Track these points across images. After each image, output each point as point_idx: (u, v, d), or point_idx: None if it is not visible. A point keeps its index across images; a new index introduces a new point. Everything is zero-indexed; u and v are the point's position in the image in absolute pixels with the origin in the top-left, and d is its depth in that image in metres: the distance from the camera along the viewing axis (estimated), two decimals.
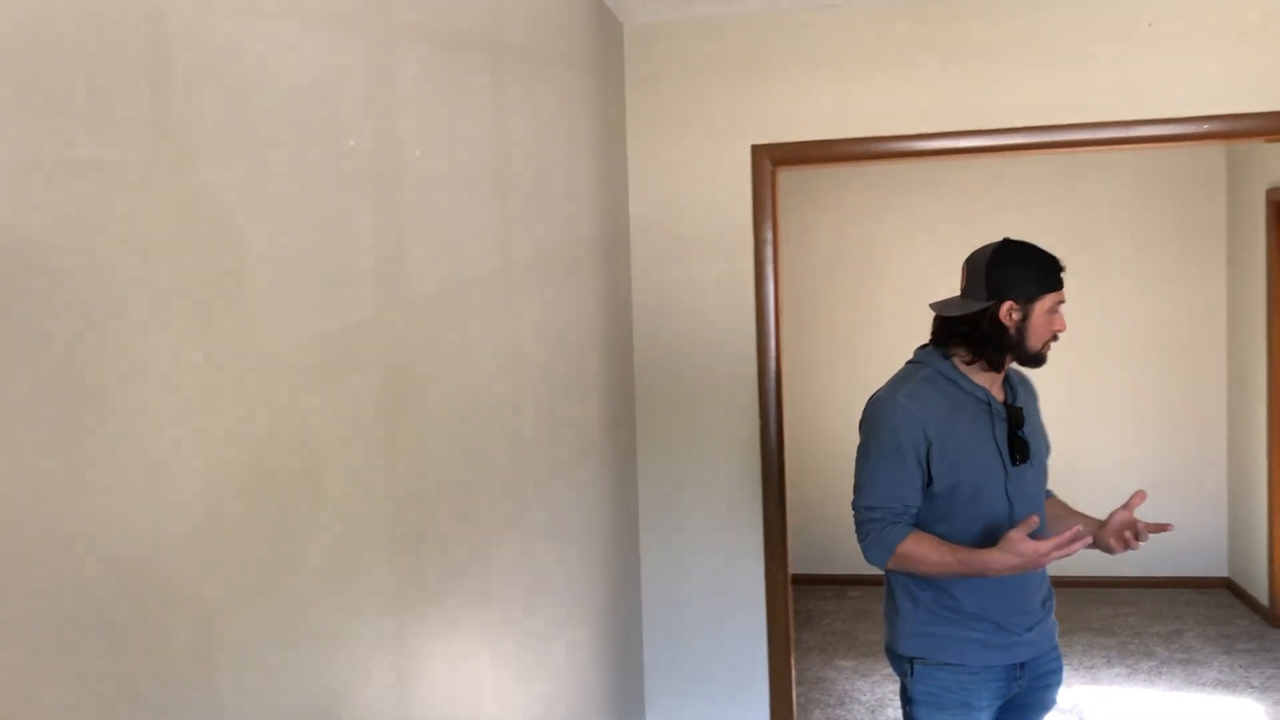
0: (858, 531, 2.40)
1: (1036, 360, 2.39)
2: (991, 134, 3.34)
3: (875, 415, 2.38)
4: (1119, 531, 2.37)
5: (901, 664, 2.46)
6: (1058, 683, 2.54)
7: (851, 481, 2.45)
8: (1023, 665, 2.44)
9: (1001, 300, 2.34)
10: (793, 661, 3.54)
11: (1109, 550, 2.39)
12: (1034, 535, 2.29)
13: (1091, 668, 5.21)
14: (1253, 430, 5.91)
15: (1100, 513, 2.74)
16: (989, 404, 2.40)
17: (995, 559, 2.23)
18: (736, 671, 3.63)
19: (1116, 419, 6.36)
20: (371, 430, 1.70)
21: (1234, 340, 6.22)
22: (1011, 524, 2.35)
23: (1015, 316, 2.34)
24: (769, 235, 3.44)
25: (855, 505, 2.40)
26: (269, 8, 1.45)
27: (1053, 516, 2.54)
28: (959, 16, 3.33)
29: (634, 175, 3.54)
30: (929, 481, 2.35)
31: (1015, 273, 2.34)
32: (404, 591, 1.81)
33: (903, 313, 6.63)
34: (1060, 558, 2.17)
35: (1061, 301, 2.38)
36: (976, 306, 2.35)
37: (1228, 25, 3.22)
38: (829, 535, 6.68)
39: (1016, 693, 2.46)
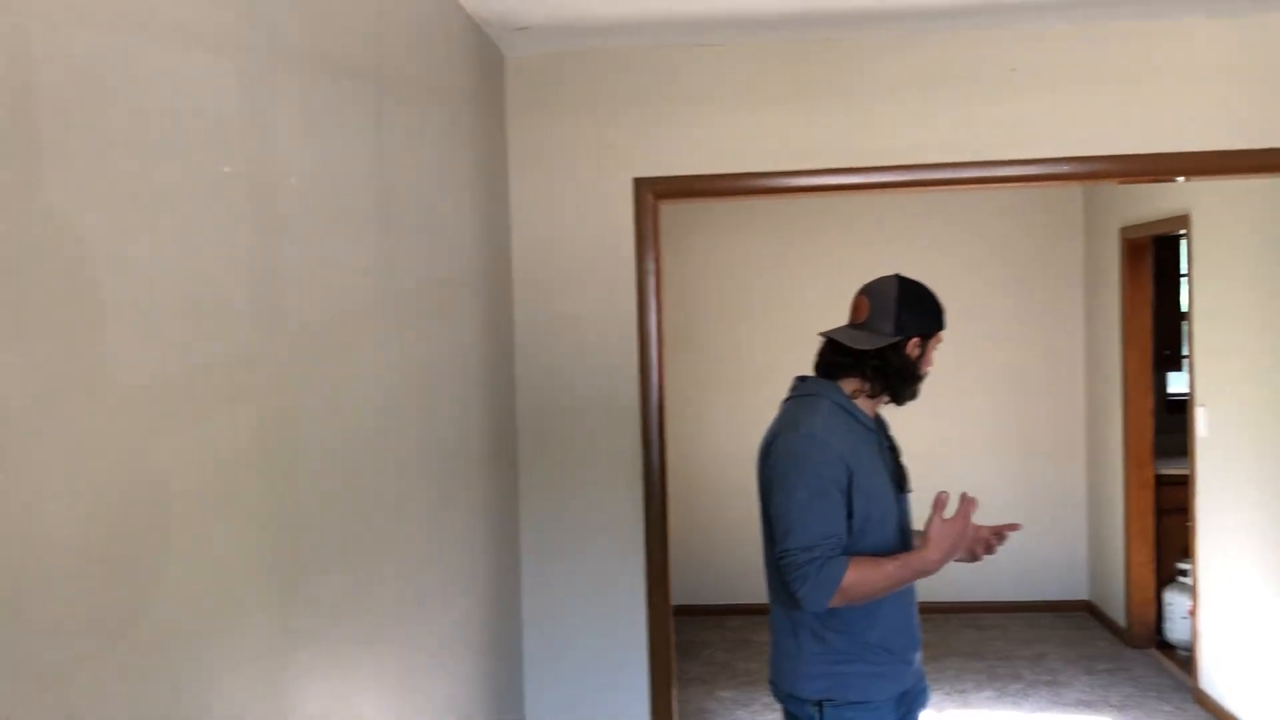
0: (793, 577, 2.27)
1: (915, 395, 2.46)
2: (867, 172, 3.43)
3: (797, 452, 2.32)
4: (974, 542, 2.47)
5: (805, 707, 2.39)
6: (925, 703, 2.59)
7: (749, 519, 2.48)
8: (905, 693, 2.47)
9: (909, 336, 2.40)
10: (674, 693, 3.53)
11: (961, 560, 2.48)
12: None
13: (963, 691, 5.34)
14: (1109, 461, 6.18)
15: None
16: (878, 433, 2.46)
17: (931, 553, 2.27)
18: (618, 704, 3.61)
19: (981, 450, 6.58)
20: (247, 467, 1.65)
21: (1091, 374, 6.51)
22: (905, 548, 2.41)
23: (915, 353, 2.42)
24: (651, 266, 3.47)
25: (788, 549, 2.28)
26: (139, 26, 1.40)
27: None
28: (836, 58, 3.43)
29: (516, 206, 3.53)
30: (850, 514, 2.32)
31: (922, 310, 2.43)
32: (285, 631, 1.75)
33: (786, 344, 6.75)
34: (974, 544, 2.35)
35: (940, 340, 2.48)
36: (885, 340, 2.38)
37: (1083, 73, 3.39)
38: (707, 564, 6.72)
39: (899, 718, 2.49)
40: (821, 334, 2.50)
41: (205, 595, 1.53)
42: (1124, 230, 5.85)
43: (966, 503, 2.30)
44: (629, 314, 3.49)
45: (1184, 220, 5.11)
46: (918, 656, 2.50)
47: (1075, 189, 6.61)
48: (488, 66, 3.33)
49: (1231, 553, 4.76)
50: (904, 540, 2.44)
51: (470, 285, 3.05)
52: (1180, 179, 3.76)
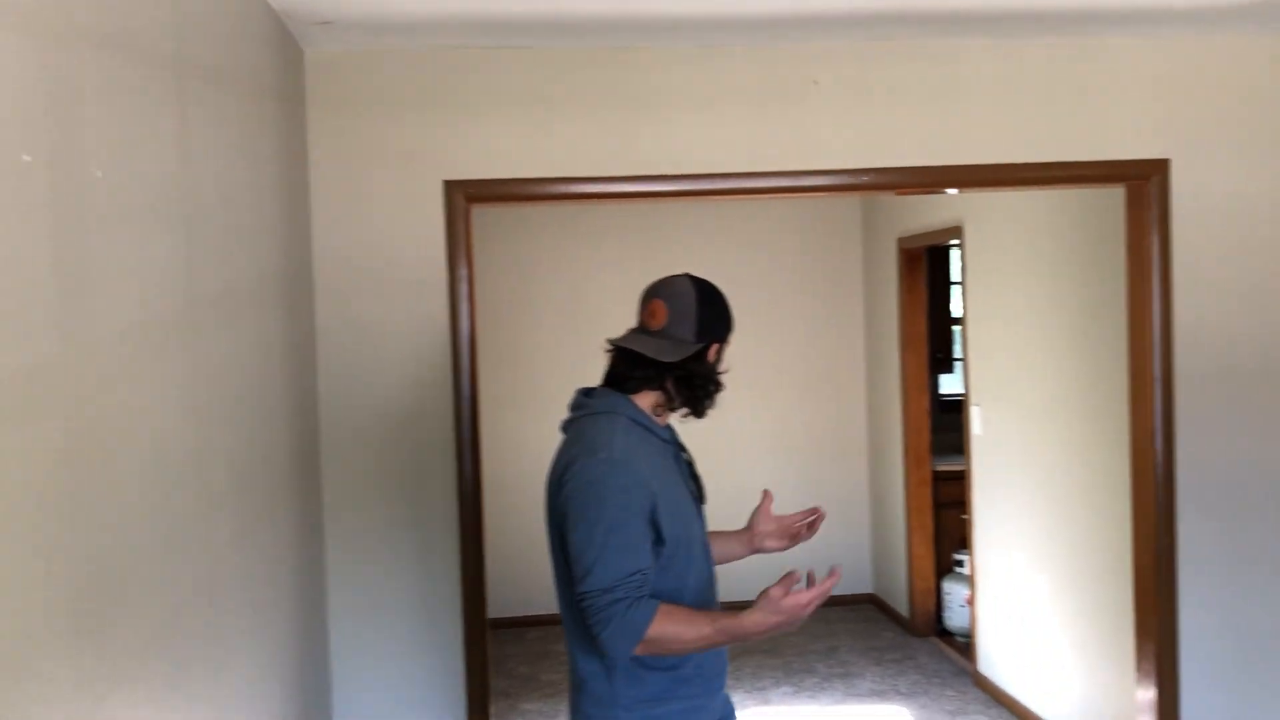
0: (594, 621, 2.04)
1: (714, 404, 2.29)
2: (667, 180, 3.43)
3: (598, 479, 2.07)
4: (782, 534, 2.45)
5: None
6: None
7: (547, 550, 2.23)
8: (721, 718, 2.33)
9: (712, 341, 2.24)
10: (491, 709, 3.44)
11: (767, 551, 2.48)
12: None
13: (762, 689, 5.48)
14: (890, 459, 6.50)
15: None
16: (673, 446, 2.30)
17: (757, 621, 2.01)
18: None
19: (767, 451, 6.77)
20: (40, 494, 1.46)
21: (871, 376, 6.83)
22: (710, 572, 2.28)
23: (715, 359, 2.26)
24: (464, 271, 3.37)
25: (587, 591, 2.04)
26: None
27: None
28: (641, 65, 3.43)
29: (319, 207, 3.35)
30: (659, 540, 2.12)
31: (720, 312, 2.26)
32: (84, 680, 1.57)
33: (596, 351, 6.74)
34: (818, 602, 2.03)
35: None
36: (691, 349, 2.20)
37: (870, 89, 3.50)
38: (505, 576, 6.62)
39: None
40: (613, 343, 2.28)
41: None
42: (901, 240, 6.17)
43: (830, 578, 2.04)
44: (440, 319, 3.37)
45: (957, 230, 5.43)
46: (726, 679, 2.34)
47: (855, 201, 6.93)
48: (288, 62, 3.15)
49: (1004, 543, 5.09)
50: (708, 555, 2.31)
51: (272, 290, 2.86)
52: (953, 190, 3.97)
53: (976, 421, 5.39)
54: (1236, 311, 3.42)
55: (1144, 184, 3.43)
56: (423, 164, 3.37)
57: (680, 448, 2.34)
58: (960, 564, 5.94)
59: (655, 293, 2.27)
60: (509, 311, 6.77)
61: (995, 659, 5.20)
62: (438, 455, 3.41)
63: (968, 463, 5.48)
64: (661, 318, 2.22)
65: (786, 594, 1.99)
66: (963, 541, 5.88)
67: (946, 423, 6.56)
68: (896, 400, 6.31)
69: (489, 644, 3.48)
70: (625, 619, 2.02)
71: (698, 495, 2.33)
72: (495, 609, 6.57)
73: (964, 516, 5.71)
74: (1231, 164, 3.41)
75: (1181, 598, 3.42)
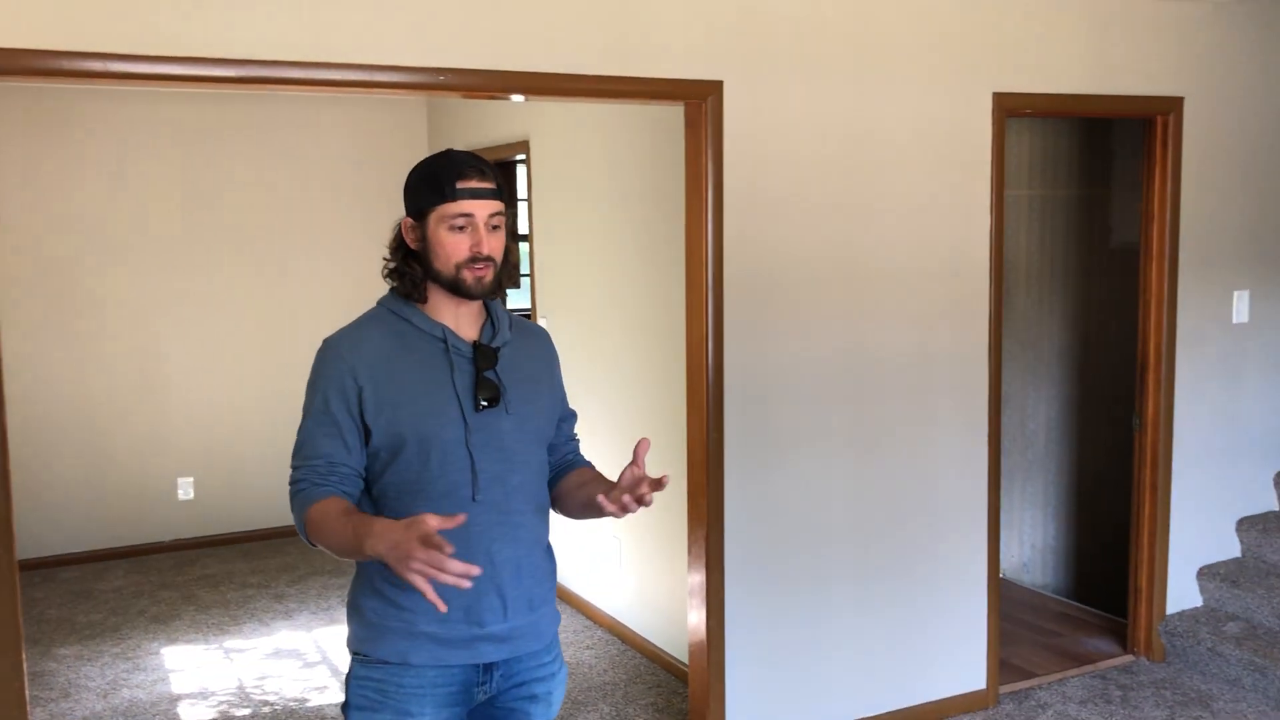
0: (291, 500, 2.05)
1: (456, 287, 2.04)
2: (213, 64, 3.03)
3: (314, 364, 2.08)
4: (630, 489, 1.98)
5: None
6: (548, 693, 2.18)
7: None
8: (489, 668, 2.08)
9: (406, 217, 2.10)
10: (24, 659, 3.05)
11: (611, 514, 1.99)
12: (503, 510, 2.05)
13: (328, 609, 5.34)
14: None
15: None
16: (445, 342, 2.06)
17: (374, 538, 1.76)
18: None
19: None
20: None
21: None
22: (476, 484, 2.03)
23: (414, 235, 2.06)
24: None
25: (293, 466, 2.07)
26: None
27: (577, 484, 2.22)
28: None
29: None
30: (369, 436, 2.03)
31: (414, 186, 2.08)
32: None
33: (137, 268, 6.08)
34: (425, 570, 1.68)
35: (467, 215, 2.02)
36: (396, 231, 2.13)
37: None
38: (31, 514, 5.93)
39: (482, 701, 2.11)
40: None
41: None
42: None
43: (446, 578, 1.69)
44: None
45: (524, 145, 5.50)
46: (522, 627, 2.09)
47: (422, 110, 6.79)
48: None
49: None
50: (498, 468, 2.05)
51: None
52: (519, 98, 3.82)
53: None
54: (777, 226, 3.75)
55: (700, 104, 3.64)
56: None
57: (465, 344, 2.06)
58: None
59: None
60: (30, 224, 5.97)
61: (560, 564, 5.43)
62: None
63: None
64: None
65: (420, 525, 1.71)
66: None
67: None
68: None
69: (18, 588, 3.07)
70: (298, 499, 2.00)
71: (480, 399, 2.03)
72: (27, 550, 5.87)
73: None
74: (784, 86, 3.70)
75: (727, 487, 3.75)
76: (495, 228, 2.06)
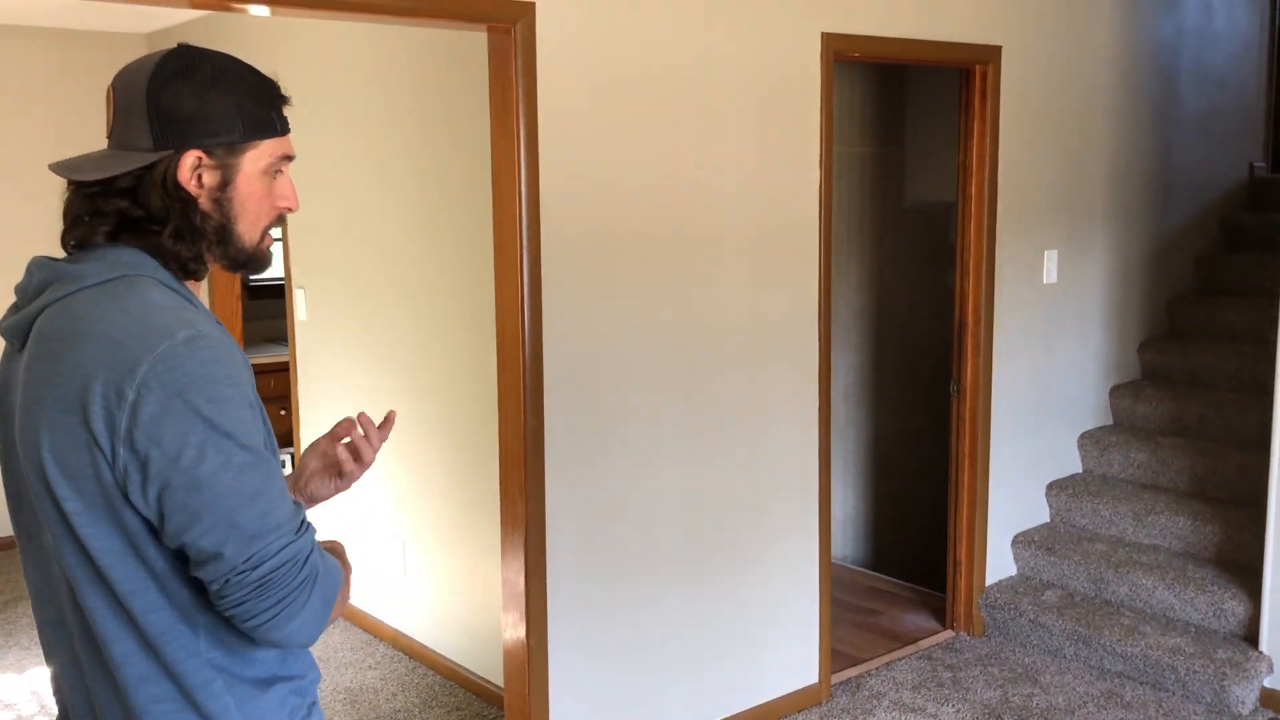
0: (283, 587, 1.29)
1: (249, 260, 1.43)
2: None
3: (224, 369, 1.26)
4: (327, 469, 1.63)
5: None
6: None
7: None
8: None
9: (184, 148, 1.33)
10: None
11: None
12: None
13: None
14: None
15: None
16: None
17: (309, 491, 1.63)
18: None
19: None
20: None
21: None
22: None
23: (209, 178, 1.35)
24: None
25: (258, 554, 1.26)
26: None
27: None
28: None
29: None
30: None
31: (226, 106, 1.34)
32: None
33: None
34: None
35: (290, 158, 1.43)
36: (137, 163, 1.31)
37: None
38: None
39: None
40: (55, 168, 1.36)
41: None
42: None
43: None
44: None
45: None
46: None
47: (143, 44, 5.80)
48: None
49: None
50: None
51: None
52: (263, 9, 3.07)
53: (301, 307, 4.79)
54: (599, 176, 3.22)
55: (508, 29, 3.05)
56: None
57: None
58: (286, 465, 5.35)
59: (117, 80, 1.38)
60: None
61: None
62: None
63: (292, 353, 4.88)
64: (111, 115, 1.36)
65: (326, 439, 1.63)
66: (286, 440, 5.28)
67: (261, 310, 5.87)
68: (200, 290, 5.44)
69: None
70: (327, 571, 1.50)
71: None
72: None
73: (284, 412, 5.13)
74: (601, 13, 3.17)
75: (548, 483, 3.21)
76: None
